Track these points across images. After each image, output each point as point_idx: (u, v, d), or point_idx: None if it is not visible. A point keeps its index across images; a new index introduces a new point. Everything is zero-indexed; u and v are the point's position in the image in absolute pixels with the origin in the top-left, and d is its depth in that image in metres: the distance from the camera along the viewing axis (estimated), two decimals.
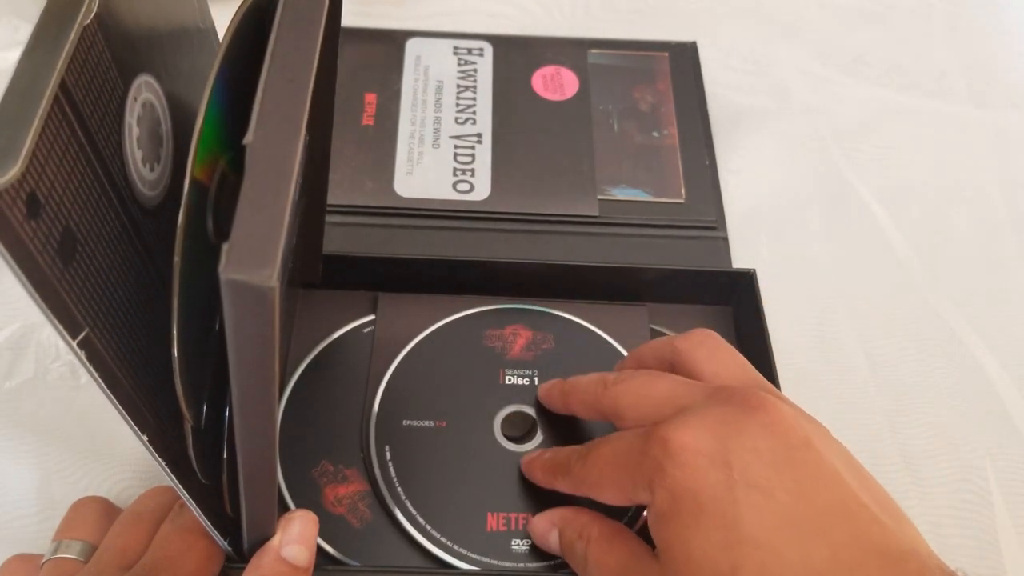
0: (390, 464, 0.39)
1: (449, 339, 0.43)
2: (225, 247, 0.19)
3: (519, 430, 0.41)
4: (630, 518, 0.37)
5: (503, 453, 0.40)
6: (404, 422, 0.40)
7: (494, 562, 0.37)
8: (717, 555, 0.26)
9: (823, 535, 0.26)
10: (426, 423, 0.41)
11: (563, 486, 0.35)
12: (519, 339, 0.44)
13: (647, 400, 0.32)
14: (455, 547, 0.37)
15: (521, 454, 0.40)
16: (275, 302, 0.19)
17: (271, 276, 0.19)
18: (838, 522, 0.26)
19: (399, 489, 0.38)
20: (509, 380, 0.42)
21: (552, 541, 0.35)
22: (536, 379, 0.42)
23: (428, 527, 0.37)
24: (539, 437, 0.40)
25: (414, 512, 0.38)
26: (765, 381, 0.34)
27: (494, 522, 0.38)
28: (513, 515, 0.38)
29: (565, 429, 0.40)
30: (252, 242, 0.19)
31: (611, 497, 0.32)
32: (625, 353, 0.43)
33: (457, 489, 0.39)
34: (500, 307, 0.45)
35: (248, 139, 0.21)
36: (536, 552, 0.37)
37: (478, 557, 0.37)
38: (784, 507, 0.26)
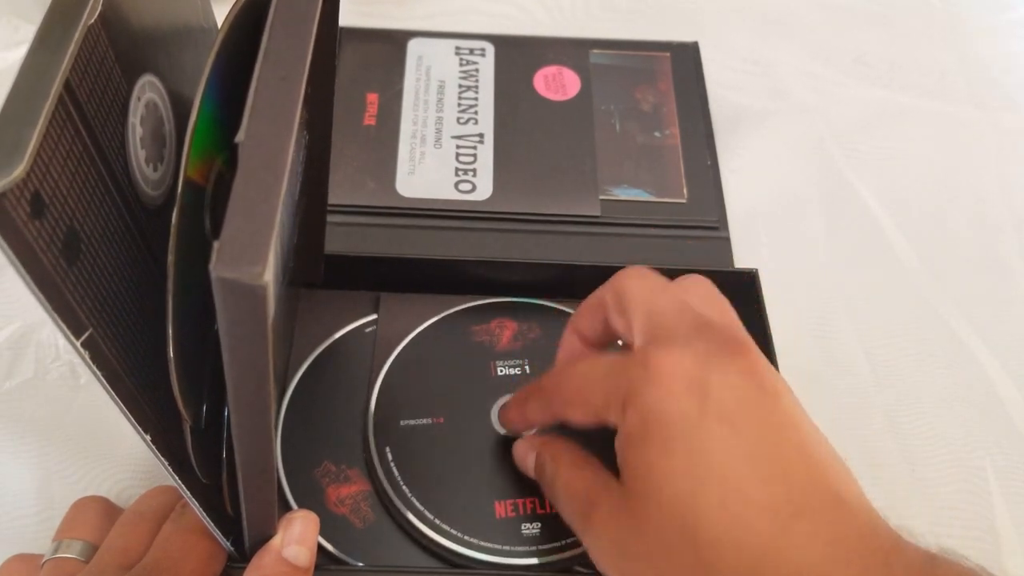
0: (393, 465, 0.39)
1: (437, 338, 0.44)
2: (216, 245, 0.19)
3: None
4: None
5: (502, 442, 0.40)
6: (402, 422, 0.41)
7: (507, 548, 0.37)
8: (679, 481, 0.27)
9: (783, 476, 0.27)
10: (424, 421, 0.41)
11: (534, 408, 0.35)
12: (505, 331, 0.44)
13: (652, 303, 0.32)
14: (468, 538, 0.37)
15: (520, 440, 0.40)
16: (267, 300, 0.19)
17: (262, 274, 0.19)
18: (798, 466, 0.27)
19: (405, 489, 0.38)
20: (500, 371, 0.42)
21: (529, 463, 0.36)
22: (527, 368, 0.43)
23: (438, 522, 0.38)
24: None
25: (422, 509, 0.38)
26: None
27: (503, 509, 0.38)
28: (520, 500, 0.38)
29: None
30: (243, 240, 0.19)
31: (580, 415, 0.32)
32: None
33: (463, 482, 0.39)
34: (481, 303, 0.45)
35: (240, 137, 0.21)
36: (547, 533, 0.38)
37: (491, 545, 0.37)
38: (749, 445, 0.27)
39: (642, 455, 0.28)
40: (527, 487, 0.39)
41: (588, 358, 0.33)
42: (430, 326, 0.44)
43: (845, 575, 0.25)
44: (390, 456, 0.39)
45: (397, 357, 0.43)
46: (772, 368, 0.30)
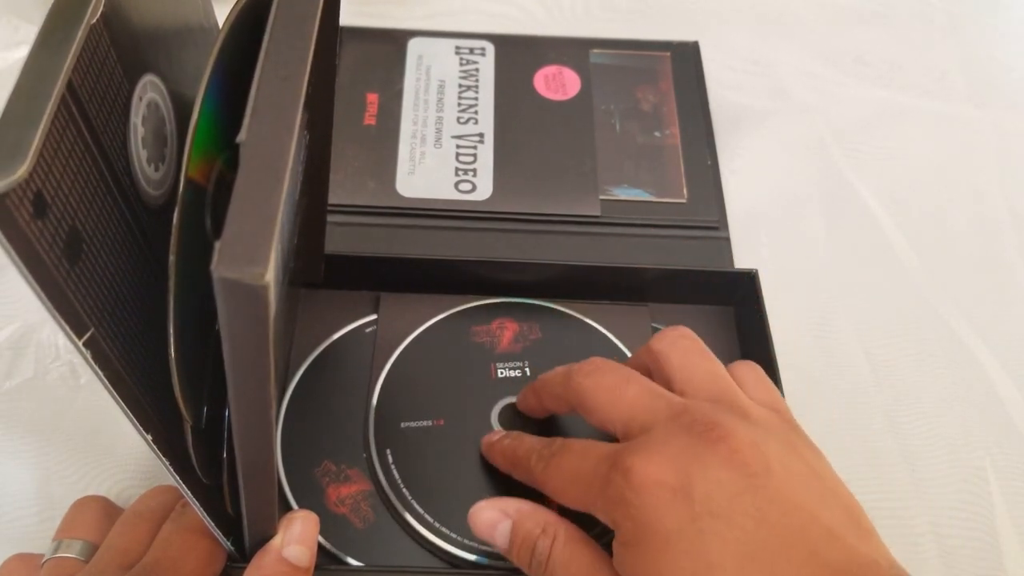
0: (393, 468, 0.39)
1: (437, 339, 0.44)
2: (217, 245, 0.19)
3: (516, 420, 0.41)
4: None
5: None
6: (402, 424, 0.41)
7: None
8: None
9: (783, 559, 0.27)
10: (424, 423, 0.41)
11: (521, 479, 0.35)
12: (506, 332, 0.44)
13: (613, 404, 0.33)
14: (468, 542, 0.37)
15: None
16: (268, 300, 0.19)
17: (263, 274, 0.19)
18: (797, 546, 0.27)
19: (405, 492, 0.38)
20: (501, 373, 0.42)
21: (500, 533, 0.34)
22: (527, 370, 0.42)
23: (439, 525, 0.38)
24: (536, 425, 0.40)
25: (423, 512, 0.38)
26: (734, 390, 0.33)
27: None
28: None
29: (558, 420, 0.41)
30: (244, 240, 0.19)
31: (571, 505, 0.32)
32: (617, 342, 0.44)
33: (463, 485, 0.39)
34: (483, 303, 0.45)
35: (241, 137, 0.21)
36: None
37: (491, 548, 0.37)
38: (746, 534, 0.27)
39: (642, 562, 0.28)
40: (527, 491, 0.39)
41: (573, 451, 0.32)
42: (430, 327, 0.44)
43: None
44: (391, 459, 0.39)
45: (397, 359, 0.43)
46: (758, 435, 0.30)
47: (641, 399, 0.32)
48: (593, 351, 0.42)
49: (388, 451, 0.40)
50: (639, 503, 0.28)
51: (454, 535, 0.38)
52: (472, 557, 0.37)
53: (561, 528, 0.32)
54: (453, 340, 0.44)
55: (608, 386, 0.33)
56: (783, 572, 0.27)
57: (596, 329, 0.44)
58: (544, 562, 0.32)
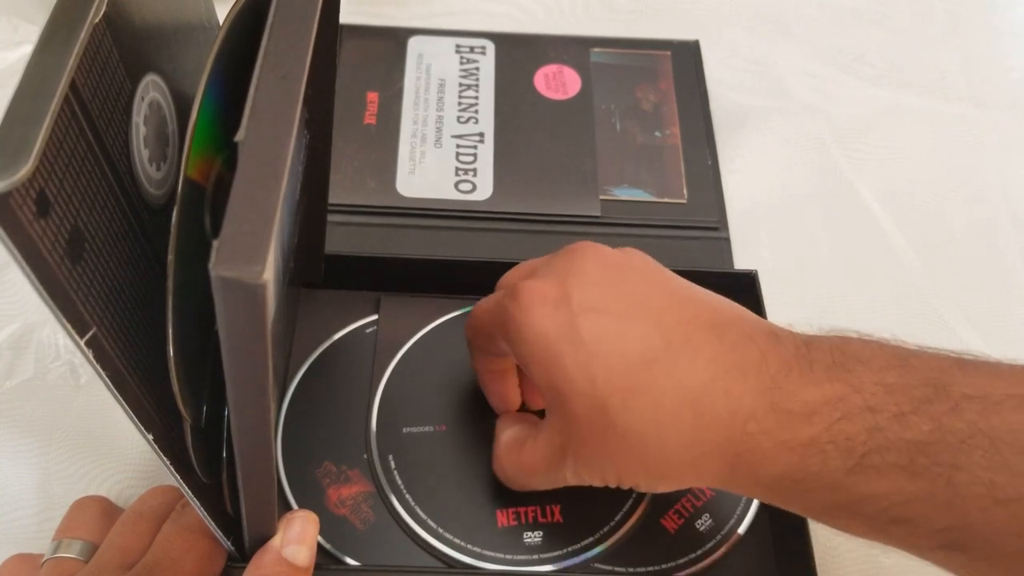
0: (396, 473, 0.39)
1: (438, 343, 0.44)
2: (215, 244, 0.19)
3: None
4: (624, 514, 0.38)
5: None
6: (404, 430, 0.41)
7: (509, 556, 0.37)
8: (577, 375, 0.30)
9: (655, 327, 0.31)
10: (426, 429, 0.41)
11: (472, 354, 0.39)
12: None
13: (482, 312, 0.36)
14: (469, 547, 0.37)
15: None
16: (266, 299, 0.19)
17: (261, 273, 0.19)
18: (667, 313, 0.32)
19: (408, 497, 0.38)
20: None
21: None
22: None
23: (441, 530, 0.38)
24: None
25: (425, 518, 0.38)
26: None
27: (504, 518, 0.38)
28: (522, 509, 0.38)
29: None
30: (243, 239, 0.19)
31: (484, 343, 0.36)
32: None
33: (464, 490, 0.39)
34: None
35: (240, 136, 0.21)
36: (549, 542, 0.38)
37: (493, 554, 0.37)
38: (618, 315, 0.31)
39: (543, 373, 0.31)
40: (529, 495, 0.39)
41: (487, 298, 0.37)
42: (430, 331, 0.44)
43: (717, 397, 0.29)
44: (393, 464, 0.39)
45: (398, 363, 0.43)
46: (623, 250, 0.35)
47: (519, 270, 0.37)
48: None
49: (390, 456, 0.40)
50: (527, 319, 0.32)
51: (455, 538, 0.38)
52: (471, 560, 0.37)
53: (501, 440, 0.38)
54: (455, 343, 0.43)
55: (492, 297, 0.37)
56: (655, 339, 0.30)
57: None
58: (519, 472, 0.36)
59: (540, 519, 0.38)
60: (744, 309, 0.34)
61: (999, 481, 0.25)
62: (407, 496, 0.39)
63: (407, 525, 0.38)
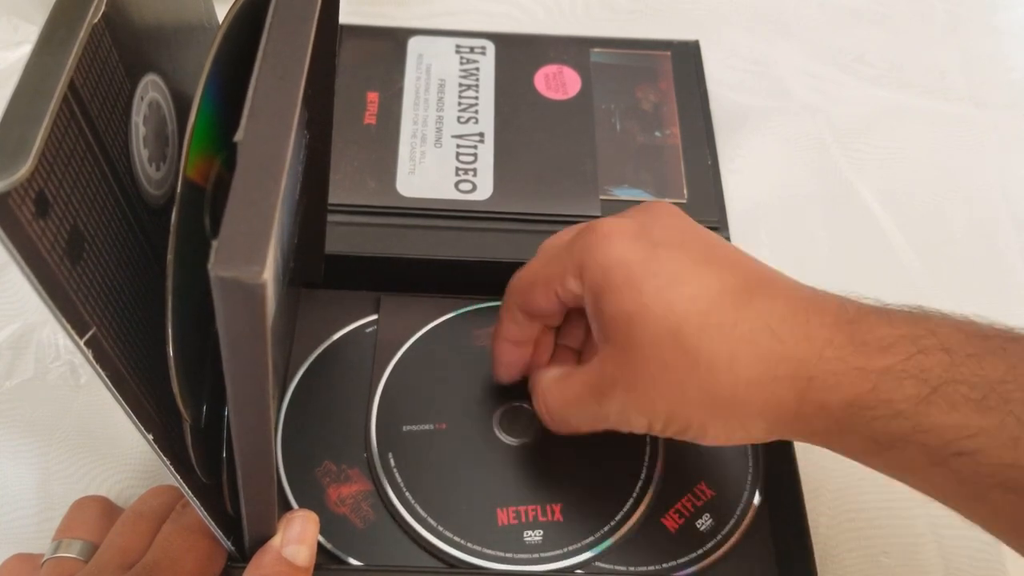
0: (396, 472, 0.39)
1: (438, 342, 0.44)
2: (214, 244, 0.19)
3: (518, 424, 0.41)
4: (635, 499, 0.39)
5: (505, 449, 0.40)
6: (404, 428, 0.41)
7: (509, 555, 0.37)
8: (654, 300, 0.31)
9: (732, 269, 0.33)
10: (426, 427, 0.41)
11: (506, 314, 0.38)
12: None
13: (547, 254, 0.37)
14: (470, 545, 0.37)
15: (522, 448, 0.40)
16: (265, 299, 0.19)
17: (260, 273, 0.19)
18: (743, 263, 0.33)
19: (408, 496, 0.39)
20: None
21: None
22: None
23: (442, 529, 0.38)
24: (538, 430, 0.40)
25: (426, 516, 0.38)
26: None
27: (504, 516, 0.38)
28: (522, 508, 0.38)
29: None
30: (242, 239, 0.19)
31: (543, 296, 0.36)
32: None
33: (465, 489, 0.39)
34: (481, 306, 0.45)
35: (239, 136, 0.21)
36: (549, 541, 0.38)
37: (493, 552, 0.37)
38: (694, 255, 0.33)
39: (614, 298, 0.32)
40: (529, 494, 0.39)
41: (542, 246, 0.38)
42: (430, 330, 0.44)
43: (795, 328, 0.30)
44: (393, 462, 0.39)
45: (398, 362, 0.43)
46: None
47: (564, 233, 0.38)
48: None
49: (390, 455, 0.40)
50: (608, 246, 0.33)
51: (455, 537, 0.38)
52: (471, 559, 0.37)
53: (541, 380, 0.38)
54: (454, 343, 0.43)
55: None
56: (728, 279, 0.32)
57: None
58: (551, 409, 0.37)
59: (540, 518, 0.38)
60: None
61: None
62: (407, 494, 0.39)
63: (407, 524, 0.38)
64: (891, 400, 0.28)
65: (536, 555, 0.37)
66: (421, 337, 0.44)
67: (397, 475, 0.39)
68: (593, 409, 0.34)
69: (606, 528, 0.38)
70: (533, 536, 0.38)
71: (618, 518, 0.39)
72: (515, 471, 0.40)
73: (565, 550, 0.38)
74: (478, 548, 0.37)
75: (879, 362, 0.29)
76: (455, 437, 0.41)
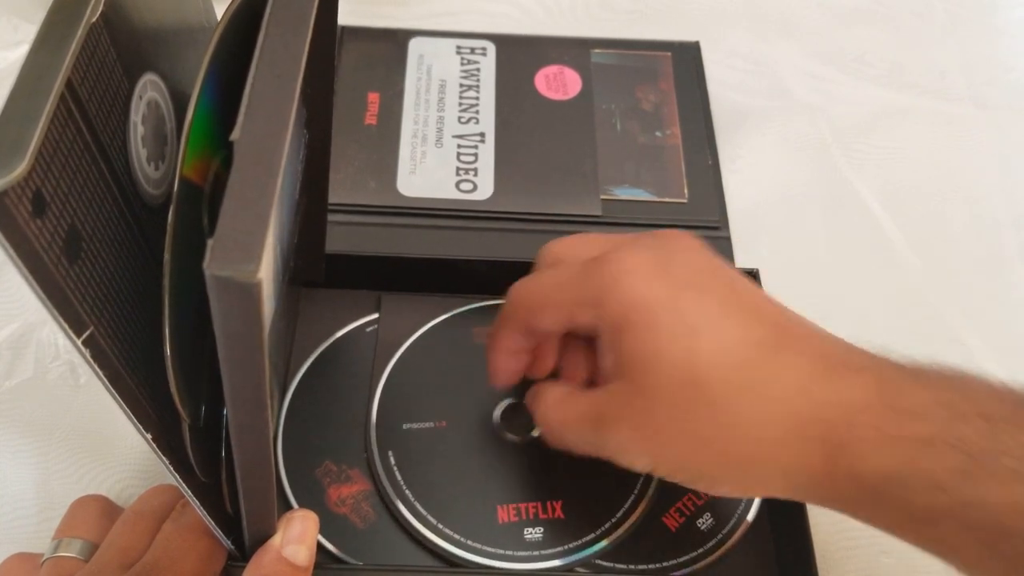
0: (396, 470, 0.39)
1: (438, 341, 0.44)
2: (210, 243, 0.19)
3: (518, 422, 0.41)
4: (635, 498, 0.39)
5: (505, 446, 0.40)
6: (404, 426, 0.41)
7: (509, 552, 0.37)
8: (672, 346, 0.30)
9: (758, 318, 0.31)
10: (426, 425, 0.41)
11: (505, 325, 0.36)
12: None
13: (561, 277, 0.34)
14: (471, 543, 0.37)
15: (523, 445, 0.40)
16: (261, 297, 0.19)
17: (256, 271, 0.19)
18: (767, 310, 0.32)
19: (408, 493, 0.39)
20: None
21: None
22: None
23: (442, 527, 0.38)
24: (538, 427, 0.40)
25: (426, 514, 0.38)
26: None
27: (505, 514, 0.38)
28: (523, 505, 0.39)
29: None
30: (237, 237, 0.19)
31: (551, 318, 0.34)
32: None
33: (465, 486, 0.39)
34: (481, 304, 0.45)
35: (235, 135, 0.21)
36: (550, 539, 0.38)
37: (493, 550, 0.37)
38: (719, 300, 0.31)
39: (633, 339, 0.31)
40: (530, 491, 0.39)
41: (548, 270, 0.35)
42: (430, 329, 0.44)
43: (826, 388, 0.29)
44: (393, 461, 0.39)
45: (398, 360, 0.43)
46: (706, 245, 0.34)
47: (577, 242, 0.36)
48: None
49: (390, 453, 0.40)
50: (628, 284, 0.31)
51: (455, 535, 0.38)
52: (471, 557, 0.37)
53: (545, 392, 0.36)
54: (455, 341, 0.43)
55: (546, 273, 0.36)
56: (757, 330, 0.30)
57: None
58: (550, 423, 0.35)
59: (541, 515, 0.38)
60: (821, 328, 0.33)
61: None
62: (407, 492, 0.39)
63: (407, 521, 0.38)
64: (930, 471, 0.26)
65: (537, 552, 0.37)
66: (421, 336, 0.44)
67: (397, 473, 0.39)
68: (591, 437, 0.33)
69: (607, 525, 0.38)
70: (534, 533, 0.38)
71: (619, 516, 0.39)
72: (516, 468, 0.40)
73: (566, 547, 0.38)
74: (478, 546, 0.37)
75: (915, 429, 0.27)
76: (455, 435, 0.40)
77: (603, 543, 0.38)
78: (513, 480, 0.39)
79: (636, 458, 0.32)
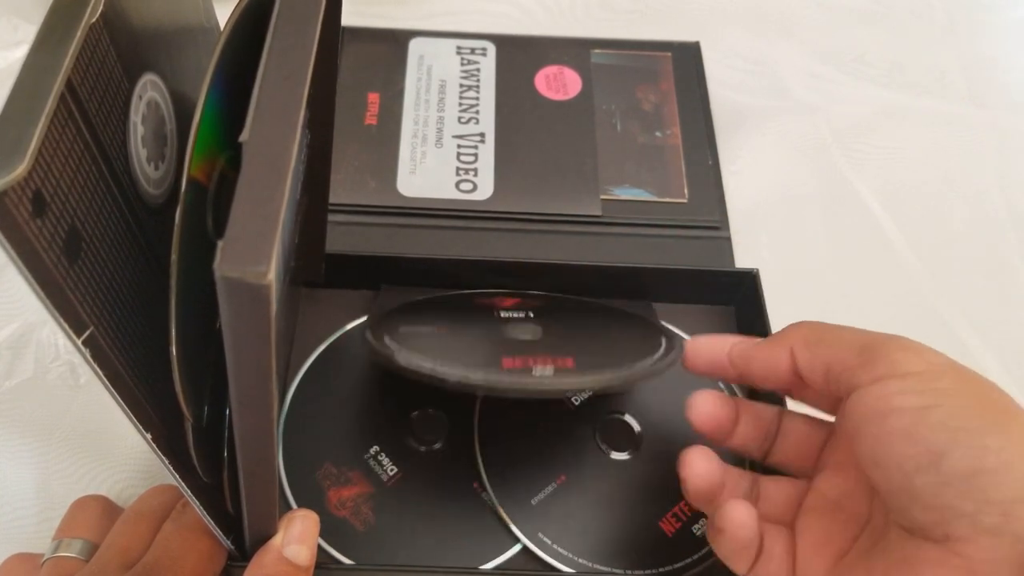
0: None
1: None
2: (220, 244, 0.19)
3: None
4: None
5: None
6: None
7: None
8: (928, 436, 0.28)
9: (1012, 422, 0.29)
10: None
11: (763, 355, 0.35)
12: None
13: (847, 338, 0.33)
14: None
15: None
16: (270, 299, 0.19)
17: (266, 273, 0.19)
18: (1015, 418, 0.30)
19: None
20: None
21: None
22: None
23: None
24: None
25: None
26: None
27: None
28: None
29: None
30: (247, 239, 0.19)
31: (808, 379, 0.33)
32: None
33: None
34: (478, 292, 0.45)
35: (244, 137, 0.21)
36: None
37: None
38: (962, 401, 0.29)
39: (885, 432, 0.29)
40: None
41: (826, 338, 0.34)
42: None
43: None
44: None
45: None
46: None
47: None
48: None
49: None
50: (899, 386, 0.29)
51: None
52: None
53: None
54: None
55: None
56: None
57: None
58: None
59: None
60: None
61: None
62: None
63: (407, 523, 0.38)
64: None
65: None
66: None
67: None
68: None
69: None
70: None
71: None
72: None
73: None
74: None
75: None
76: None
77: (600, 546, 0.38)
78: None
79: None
